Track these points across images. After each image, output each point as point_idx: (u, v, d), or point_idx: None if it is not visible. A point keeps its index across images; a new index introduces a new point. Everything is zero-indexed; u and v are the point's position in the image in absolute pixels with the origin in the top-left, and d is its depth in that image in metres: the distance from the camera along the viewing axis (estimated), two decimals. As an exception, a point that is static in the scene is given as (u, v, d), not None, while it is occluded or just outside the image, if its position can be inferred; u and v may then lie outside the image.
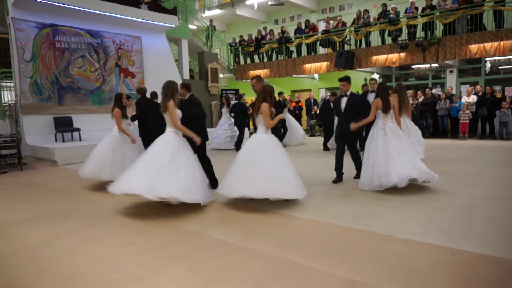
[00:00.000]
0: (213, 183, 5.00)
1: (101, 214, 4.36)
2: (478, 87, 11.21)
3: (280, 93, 10.51)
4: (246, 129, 10.18)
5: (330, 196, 4.76)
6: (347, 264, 2.76)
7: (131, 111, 6.67)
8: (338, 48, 13.26)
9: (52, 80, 10.09)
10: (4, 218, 4.33)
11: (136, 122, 6.51)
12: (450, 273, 2.54)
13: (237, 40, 17.28)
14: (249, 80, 16.57)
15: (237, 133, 9.78)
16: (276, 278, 2.59)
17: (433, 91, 11.82)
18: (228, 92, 15.49)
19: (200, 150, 4.87)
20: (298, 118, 13.77)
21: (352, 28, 13.00)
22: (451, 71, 13.07)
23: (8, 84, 11.25)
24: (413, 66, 13.94)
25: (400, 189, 4.93)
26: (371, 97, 5.95)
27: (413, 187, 4.98)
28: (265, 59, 16.07)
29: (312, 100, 14.62)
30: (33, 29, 9.74)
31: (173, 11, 12.59)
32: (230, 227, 3.68)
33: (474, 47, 10.65)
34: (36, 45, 9.76)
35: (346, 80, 5.35)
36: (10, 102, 10.81)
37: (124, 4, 11.07)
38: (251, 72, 16.38)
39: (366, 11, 13.03)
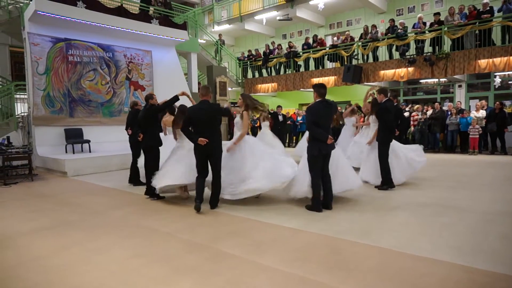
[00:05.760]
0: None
1: (109, 225, 4.38)
2: (483, 102, 11.15)
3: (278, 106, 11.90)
4: None
5: (339, 210, 4.72)
6: (355, 279, 2.72)
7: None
8: (346, 63, 13.35)
9: (64, 92, 10.29)
10: (13, 228, 4.38)
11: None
12: (460, 291, 2.50)
13: (246, 54, 17.51)
14: (258, 94, 16.54)
15: None
16: (283, 292, 2.56)
17: (445, 106, 11.77)
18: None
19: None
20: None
21: (360, 43, 13.10)
22: (460, 86, 13.02)
23: (22, 96, 11.50)
24: (421, 81, 13.93)
25: (409, 204, 4.90)
26: None
27: (422, 203, 4.93)
28: (273, 73, 16.22)
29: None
30: (48, 43, 10.01)
31: (183, 26, 12.86)
32: (237, 240, 3.67)
33: (483, 62, 10.63)
34: (49, 59, 10.02)
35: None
36: (23, 114, 11.04)
37: (136, 19, 11.35)
38: (259, 85, 16.53)
39: (374, 26, 13.14)
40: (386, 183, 5.82)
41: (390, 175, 5.83)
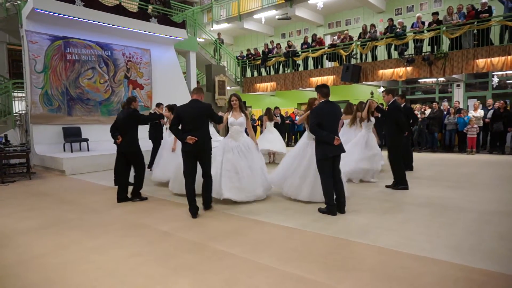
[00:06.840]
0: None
1: (107, 223, 4.38)
2: (489, 100, 11.14)
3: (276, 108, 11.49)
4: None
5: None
6: (353, 278, 2.73)
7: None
8: (344, 62, 13.36)
9: (62, 91, 10.26)
10: (12, 227, 4.37)
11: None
12: (458, 290, 2.51)
13: (245, 53, 17.50)
14: (256, 93, 16.36)
15: None
16: (281, 291, 2.57)
17: (444, 104, 11.79)
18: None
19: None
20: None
21: (359, 42, 13.11)
22: (458, 85, 13.06)
23: (20, 95, 11.47)
24: (420, 80, 13.96)
25: (407, 204, 4.91)
26: None
27: (420, 202, 4.95)
28: (272, 72, 16.21)
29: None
30: (46, 41, 9.97)
31: (182, 25, 12.82)
32: (235, 240, 3.67)
33: (481, 62, 10.65)
34: (48, 57, 9.98)
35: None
36: (20, 112, 11.01)
37: (134, 18, 11.31)
38: (258, 84, 16.53)
39: (372, 25, 13.14)
40: (402, 183, 5.82)
41: (405, 175, 5.86)
